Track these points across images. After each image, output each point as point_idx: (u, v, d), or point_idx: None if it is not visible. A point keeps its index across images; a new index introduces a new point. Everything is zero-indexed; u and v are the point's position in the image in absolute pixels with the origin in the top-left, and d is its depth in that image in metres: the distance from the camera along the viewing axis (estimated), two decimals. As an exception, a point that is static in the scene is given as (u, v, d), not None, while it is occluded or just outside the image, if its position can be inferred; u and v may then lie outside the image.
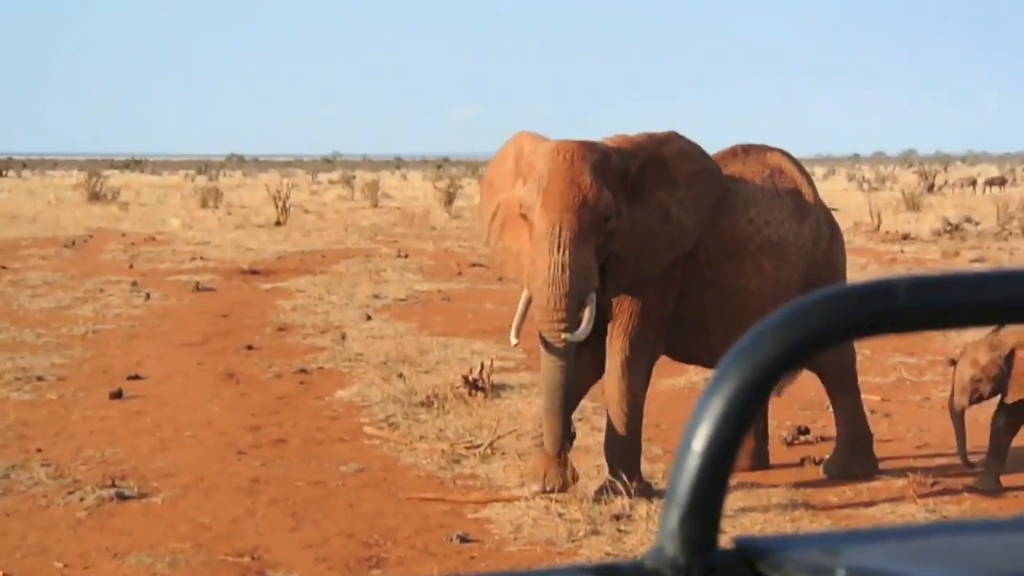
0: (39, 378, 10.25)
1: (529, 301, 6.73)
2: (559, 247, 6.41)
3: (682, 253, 6.91)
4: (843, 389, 7.56)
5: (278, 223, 29.30)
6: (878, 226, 25.82)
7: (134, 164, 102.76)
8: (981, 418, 7.25)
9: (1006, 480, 7.13)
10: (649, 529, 6.32)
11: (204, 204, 37.02)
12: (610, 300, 6.86)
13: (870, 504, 6.97)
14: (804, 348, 0.84)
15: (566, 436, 6.74)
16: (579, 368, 6.84)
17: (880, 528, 0.92)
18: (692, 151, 7.07)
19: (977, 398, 6.90)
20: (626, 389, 6.90)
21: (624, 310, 6.90)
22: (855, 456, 7.48)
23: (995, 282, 0.87)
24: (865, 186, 53.33)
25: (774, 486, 7.17)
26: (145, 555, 5.91)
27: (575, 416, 7.19)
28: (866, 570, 0.81)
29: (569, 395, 6.72)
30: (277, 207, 30.08)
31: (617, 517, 6.51)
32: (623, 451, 6.91)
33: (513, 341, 6.96)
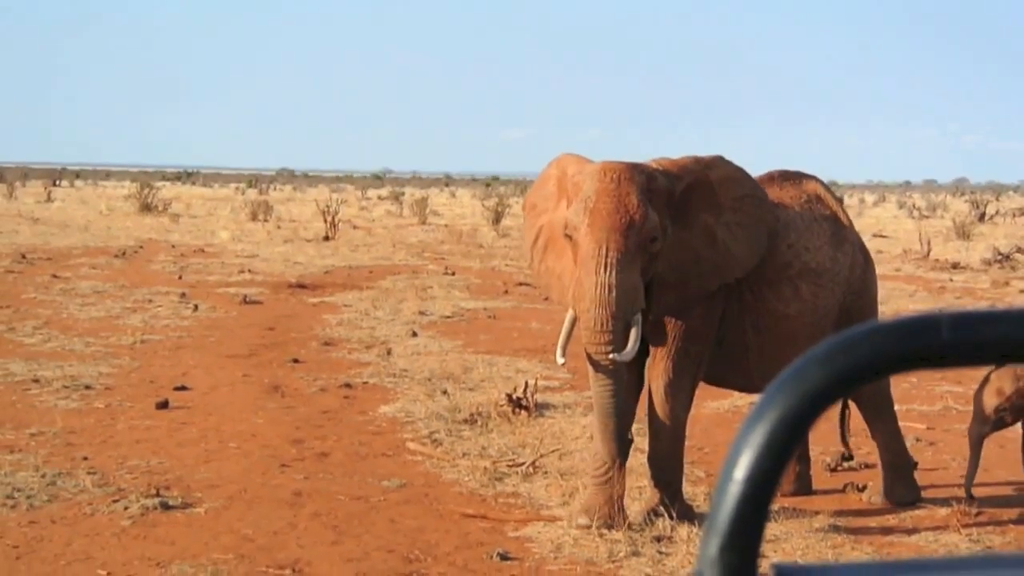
0: (87, 387, 10.33)
1: (574, 321, 6.72)
2: (606, 267, 6.40)
3: (732, 279, 6.90)
4: (881, 416, 7.57)
5: (326, 238, 29.39)
6: (928, 254, 25.63)
7: (185, 176, 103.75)
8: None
9: None
10: (690, 552, 6.29)
11: (254, 217, 37.17)
12: (653, 322, 6.85)
13: (912, 532, 6.91)
14: (848, 381, 0.85)
15: (622, 457, 6.70)
16: (631, 389, 6.87)
17: (918, 559, 0.92)
18: (738, 176, 7.05)
19: (998, 426, 6.91)
20: (670, 411, 6.89)
21: (669, 332, 6.89)
22: (897, 483, 7.46)
23: None
24: (916, 214, 52.85)
25: (816, 512, 7.12)
26: (187, 565, 5.93)
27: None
28: None
29: (622, 417, 6.71)
30: (326, 222, 30.18)
31: (658, 539, 6.49)
32: (666, 473, 6.89)
33: (560, 361, 6.95)
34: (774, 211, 7.14)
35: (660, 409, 6.90)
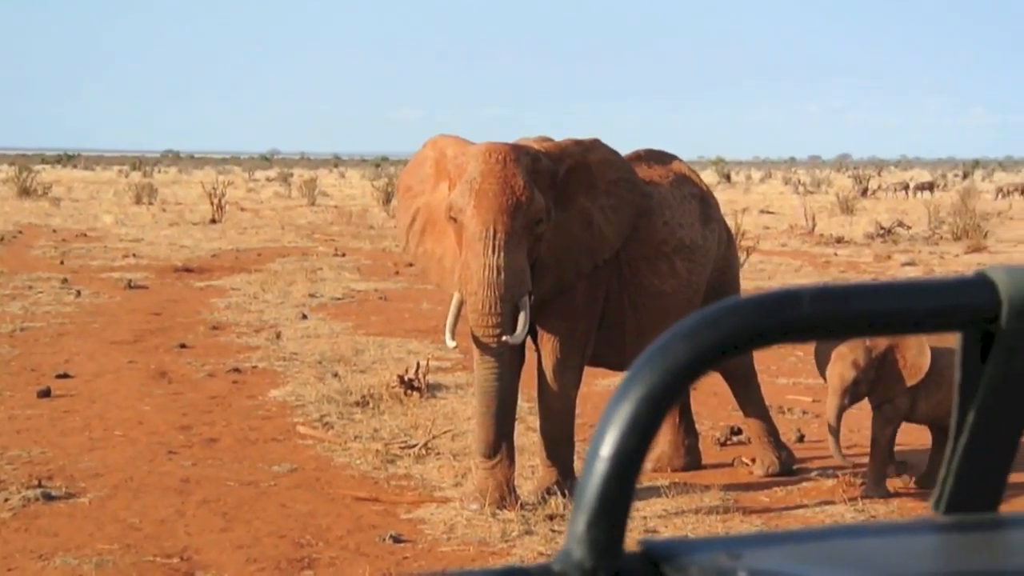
0: (-35, 376, 10.12)
1: (461, 304, 6.71)
2: (494, 249, 6.39)
3: (601, 261, 6.95)
4: (750, 389, 7.83)
5: (213, 220, 29.17)
6: (813, 229, 26.31)
7: (66, 159, 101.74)
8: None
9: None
10: None
11: (138, 201, 36.81)
12: (537, 303, 6.86)
13: (800, 505, 7.07)
14: (712, 356, 0.86)
15: (502, 441, 6.71)
16: (512, 370, 6.87)
17: (784, 531, 0.93)
18: (614, 159, 7.12)
19: (853, 399, 7.04)
20: (559, 390, 6.93)
21: (555, 313, 6.92)
22: (780, 448, 7.72)
23: (895, 293, 0.89)
24: (801, 189, 54.03)
25: (707, 487, 7.24)
26: (71, 556, 5.86)
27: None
28: (766, 572, 0.83)
29: (506, 399, 6.72)
30: (212, 204, 29.98)
31: (551, 517, 6.54)
32: (558, 452, 6.94)
33: (451, 344, 6.92)
34: (647, 192, 7.21)
35: (550, 389, 6.94)
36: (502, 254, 6.39)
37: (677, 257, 7.22)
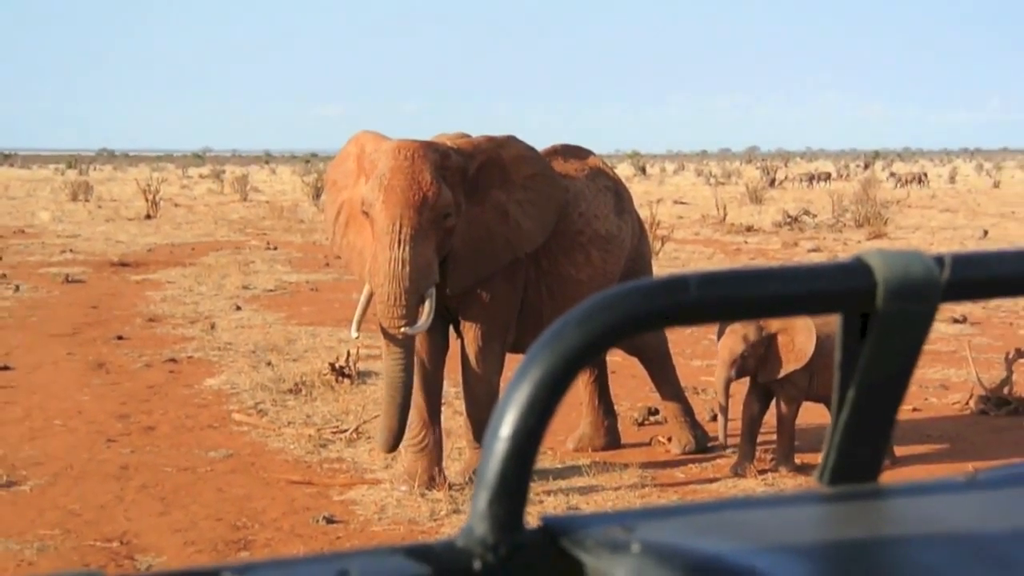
0: (-96, 368, 10.14)
1: (371, 296, 6.84)
2: (399, 243, 6.51)
3: (522, 254, 7.11)
4: (665, 370, 8.14)
5: (148, 216, 29.03)
6: (724, 218, 26.65)
7: (3, 158, 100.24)
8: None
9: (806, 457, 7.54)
10: None
11: (74, 198, 36.43)
12: (456, 295, 7.01)
13: (713, 480, 7.32)
14: (604, 338, 0.88)
15: (398, 438, 6.82)
16: (431, 360, 7.10)
17: (676, 504, 0.97)
18: (529, 155, 7.25)
19: (741, 372, 7.24)
20: (483, 376, 7.11)
21: (475, 302, 7.08)
22: (695, 427, 8.03)
23: (778, 278, 0.92)
24: (712, 181, 54.77)
25: (625, 465, 7.45)
26: (13, 542, 5.94)
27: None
28: (657, 544, 0.85)
29: (409, 391, 6.80)
30: (147, 201, 29.87)
31: None
32: (482, 434, 7.14)
33: (354, 335, 7.06)
34: (564, 185, 7.38)
35: (474, 375, 7.12)
36: (407, 247, 6.50)
37: (593, 247, 7.41)
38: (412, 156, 6.64)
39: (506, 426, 0.86)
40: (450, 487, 6.87)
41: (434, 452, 7.00)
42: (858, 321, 0.94)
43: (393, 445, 6.83)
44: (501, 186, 7.07)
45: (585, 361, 0.88)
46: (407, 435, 6.94)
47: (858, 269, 0.93)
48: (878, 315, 0.93)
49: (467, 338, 7.14)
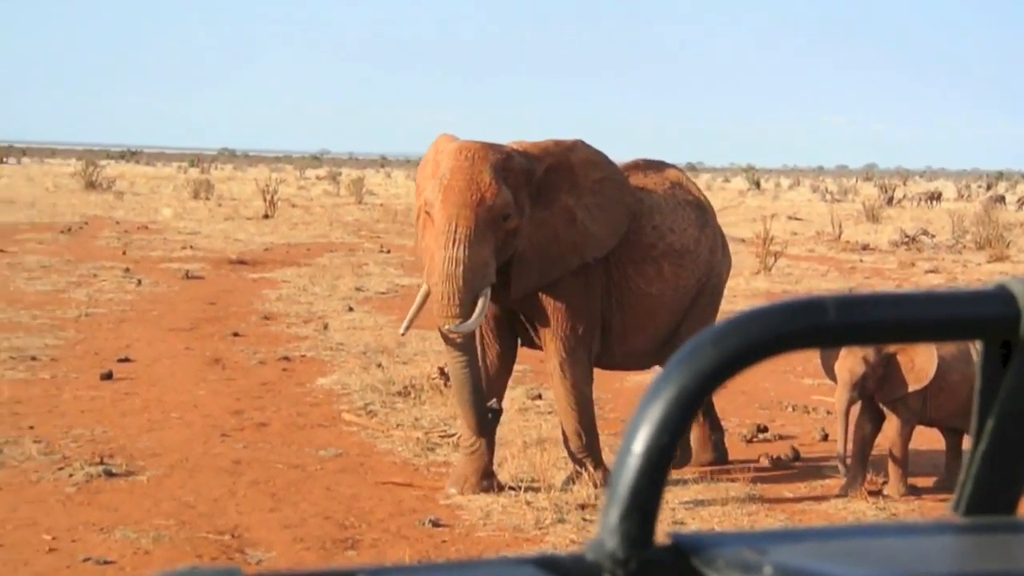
0: (33, 358, 10.43)
1: (427, 296, 6.89)
2: (455, 242, 6.53)
3: (592, 259, 7.05)
4: None
5: (266, 216, 29.49)
6: (839, 236, 26.24)
7: (130, 155, 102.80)
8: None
9: (923, 482, 7.39)
10: None
11: (196, 196, 37.07)
12: (534, 304, 7.00)
13: (822, 500, 7.20)
14: (740, 360, 0.88)
15: (483, 425, 6.91)
16: (496, 367, 7.14)
17: (808, 528, 0.96)
18: (598, 159, 7.22)
19: (861, 394, 7.10)
20: (571, 386, 7.09)
21: (552, 314, 7.05)
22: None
23: (917, 303, 0.91)
24: (828, 197, 53.94)
25: (732, 481, 7.37)
26: (130, 530, 6.06)
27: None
28: (791, 568, 0.84)
29: (478, 388, 6.86)
30: (265, 200, 30.35)
31: (582, 506, 6.71)
32: (581, 445, 7.12)
33: (401, 331, 7.19)
34: (636, 194, 7.31)
35: (560, 386, 7.12)
36: (463, 247, 6.52)
37: (665, 261, 7.32)
38: (472, 157, 6.66)
39: (639, 442, 0.86)
40: (551, 491, 6.84)
41: (486, 457, 7.02)
42: (999, 349, 0.93)
43: (481, 430, 6.90)
44: (569, 190, 7.03)
45: (719, 381, 0.88)
46: (462, 440, 7.05)
47: (1000, 296, 0.91)
48: (1021, 344, 0.91)
49: (549, 349, 7.12)
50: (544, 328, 7.09)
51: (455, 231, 6.54)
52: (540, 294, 7.03)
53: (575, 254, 7.00)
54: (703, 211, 7.69)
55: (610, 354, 7.36)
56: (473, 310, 6.60)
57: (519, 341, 7.35)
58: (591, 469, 7.05)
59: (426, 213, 6.81)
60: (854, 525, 1.04)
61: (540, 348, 7.29)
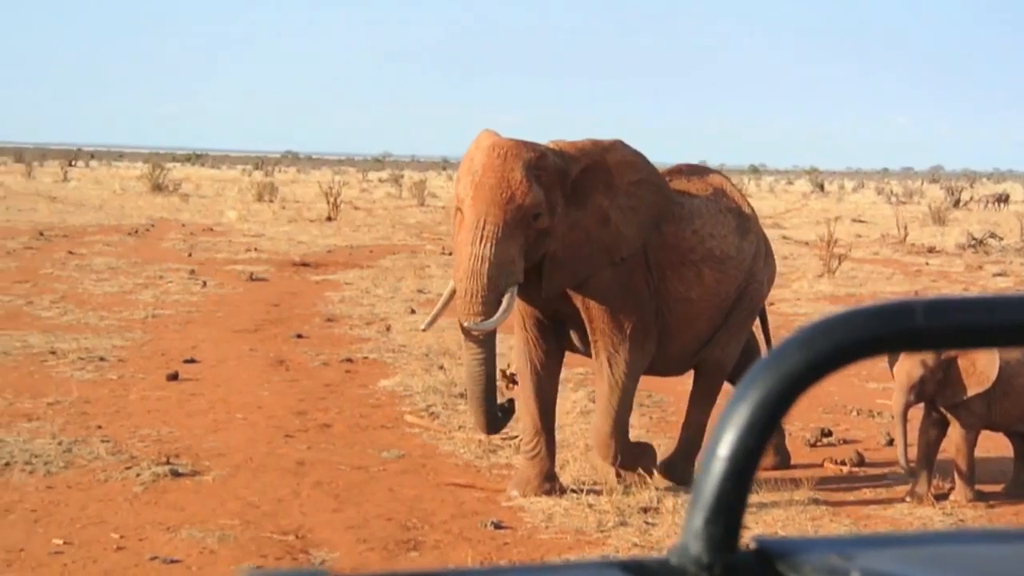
0: (101, 359, 10.56)
1: (452, 293, 6.86)
2: (482, 239, 6.47)
3: (619, 259, 6.94)
4: (711, 390, 7.56)
5: (329, 218, 29.67)
6: (905, 238, 25.95)
7: (195, 158, 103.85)
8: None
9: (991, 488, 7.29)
10: (675, 522, 6.47)
11: (260, 198, 37.38)
12: (573, 305, 6.95)
13: (888, 505, 7.14)
14: (827, 363, 0.88)
15: (492, 424, 6.89)
16: (546, 366, 7.12)
17: (892, 534, 0.97)
18: (635, 160, 7.12)
19: (919, 397, 7.01)
20: (614, 383, 7.00)
21: (593, 313, 6.97)
22: (685, 462, 7.42)
23: (1004, 307, 0.90)
24: (893, 200, 53.26)
25: (796, 485, 7.30)
26: (196, 530, 6.11)
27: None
28: (879, 573, 0.84)
29: (490, 386, 6.83)
30: (328, 203, 30.50)
31: (645, 510, 6.70)
32: (625, 449, 7.07)
33: (423, 328, 7.21)
34: (676, 198, 7.23)
35: (605, 384, 7.04)
36: (489, 244, 6.46)
37: (705, 266, 7.21)
38: (505, 154, 6.60)
39: (725, 446, 0.86)
40: (614, 494, 6.83)
41: (547, 460, 7.00)
42: None
43: (490, 429, 6.92)
44: (604, 191, 6.95)
45: (806, 384, 0.88)
46: (523, 443, 7.05)
47: None
48: None
49: (596, 349, 7.05)
50: (588, 328, 7.04)
51: (483, 228, 6.49)
52: (578, 295, 6.97)
53: (604, 255, 6.92)
54: (745, 218, 7.57)
55: (650, 361, 7.28)
56: (497, 308, 6.56)
57: (564, 343, 7.30)
58: (642, 469, 7.06)
59: (458, 209, 6.79)
60: (938, 532, 1.05)
61: (586, 354, 7.24)
